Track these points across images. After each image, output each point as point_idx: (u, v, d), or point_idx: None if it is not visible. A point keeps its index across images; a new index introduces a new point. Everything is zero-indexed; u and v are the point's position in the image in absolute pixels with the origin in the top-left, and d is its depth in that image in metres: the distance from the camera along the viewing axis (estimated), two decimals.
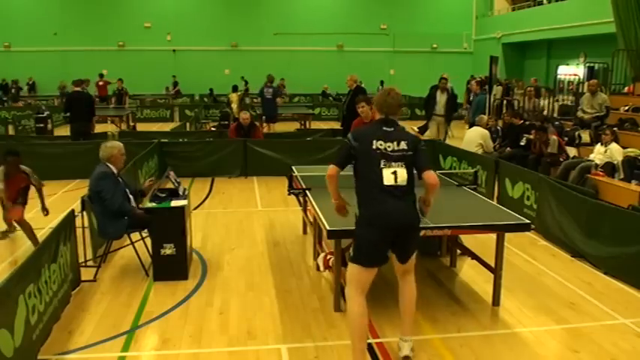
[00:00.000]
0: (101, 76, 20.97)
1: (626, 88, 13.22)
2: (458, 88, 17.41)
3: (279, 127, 15.75)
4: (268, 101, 15.28)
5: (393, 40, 27.87)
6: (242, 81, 21.78)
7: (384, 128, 3.76)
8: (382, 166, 3.67)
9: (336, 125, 15.89)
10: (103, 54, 26.06)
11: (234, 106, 15.73)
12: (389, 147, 3.70)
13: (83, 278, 5.27)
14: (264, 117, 15.46)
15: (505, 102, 16.58)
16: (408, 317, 3.93)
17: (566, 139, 10.57)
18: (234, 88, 16.75)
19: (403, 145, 3.72)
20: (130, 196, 5.51)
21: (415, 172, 3.76)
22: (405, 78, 26.48)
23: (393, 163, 3.67)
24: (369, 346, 4.07)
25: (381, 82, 24.35)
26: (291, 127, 15.84)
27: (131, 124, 17.13)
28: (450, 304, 4.86)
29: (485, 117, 10.77)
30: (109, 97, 20.52)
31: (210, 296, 4.99)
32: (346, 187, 3.93)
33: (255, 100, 16.98)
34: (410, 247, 3.82)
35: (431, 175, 3.75)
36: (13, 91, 24.02)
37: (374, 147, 3.69)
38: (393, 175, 3.66)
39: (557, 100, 16.18)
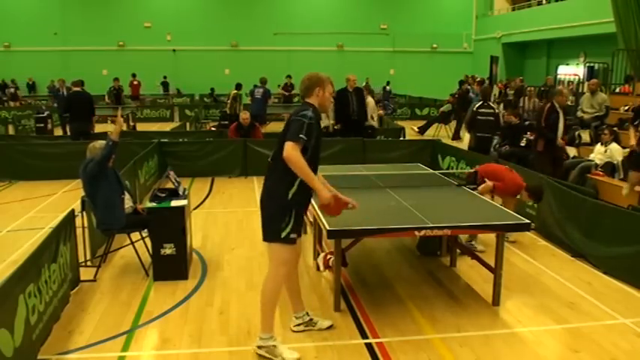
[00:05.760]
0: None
1: (618, 88, 13.22)
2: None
3: (279, 127, 15.68)
4: (256, 101, 15.36)
5: (393, 40, 27.89)
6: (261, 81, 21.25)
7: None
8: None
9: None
10: (103, 54, 26.10)
11: (229, 102, 15.60)
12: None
13: (83, 278, 5.27)
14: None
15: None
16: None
17: (565, 138, 10.55)
18: (238, 87, 16.11)
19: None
20: (124, 195, 5.52)
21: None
22: (405, 78, 26.50)
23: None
24: (369, 346, 4.08)
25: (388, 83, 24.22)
26: None
27: (131, 123, 17.13)
28: (450, 304, 4.85)
29: None
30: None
31: (210, 296, 4.99)
32: (346, 188, 3.90)
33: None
34: (262, 224, 3.76)
35: (285, 148, 3.46)
36: (12, 90, 23.93)
37: None
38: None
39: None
